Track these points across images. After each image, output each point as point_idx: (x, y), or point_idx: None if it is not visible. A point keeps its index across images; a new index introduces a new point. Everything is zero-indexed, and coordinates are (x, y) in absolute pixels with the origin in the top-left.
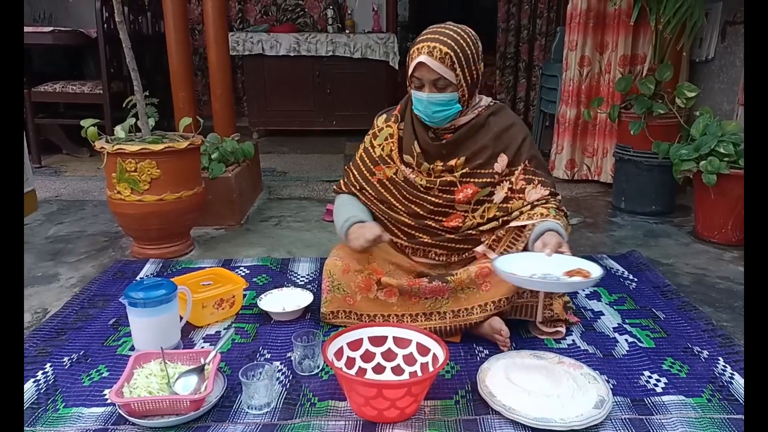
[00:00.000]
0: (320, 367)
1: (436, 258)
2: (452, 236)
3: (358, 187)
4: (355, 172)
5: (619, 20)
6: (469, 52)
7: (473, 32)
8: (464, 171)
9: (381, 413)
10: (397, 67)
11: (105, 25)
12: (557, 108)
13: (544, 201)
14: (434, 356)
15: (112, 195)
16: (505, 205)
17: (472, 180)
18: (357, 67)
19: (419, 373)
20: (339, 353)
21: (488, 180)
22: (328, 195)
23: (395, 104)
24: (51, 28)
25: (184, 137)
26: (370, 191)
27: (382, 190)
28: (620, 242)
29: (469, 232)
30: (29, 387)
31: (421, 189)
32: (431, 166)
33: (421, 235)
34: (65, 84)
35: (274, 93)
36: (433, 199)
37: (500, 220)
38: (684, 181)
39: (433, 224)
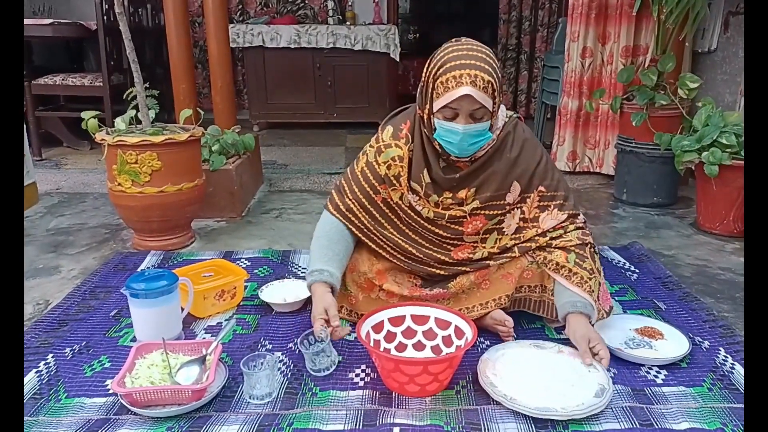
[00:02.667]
0: (335, 363)
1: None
2: (465, 268)
3: (355, 208)
4: (356, 188)
5: (621, 11)
6: (499, 75)
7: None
8: (475, 205)
9: (423, 388)
10: (398, 59)
11: (105, 17)
12: (559, 99)
13: (561, 230)
14: (456, 328)
15: (113, 187)
16: (517, 236)
17: (483, 213)
18: (358, 59)
19: (442, 347)
20: (366, 338)
21: (499, 212)
22: (329, 187)
23: (396, 98)
24: (51, 21)
25: (184, 129)
26: (373, 211)
27: (388, 212)
28: (622, 234)
29: (485, 263)
30: (31, 378)
31: (428, 220)
32: (440, 198)
33: (431, 267)
34: (65, 76)
35: (275, 85)
36: (440, 231)
37: (515, 248)
38: (686, 173)
39: (442, 257)
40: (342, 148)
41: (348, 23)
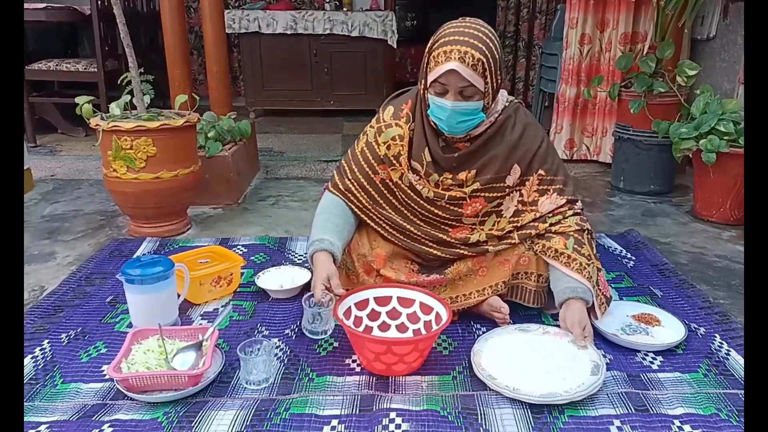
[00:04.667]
0: (327, 333)
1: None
2: (464, 251)
3: (354, 188)
4: (355, 169)
5: None
6: (497, 56)
7: (494, 32)
8: (476, 187)
9: (390, 367)
10: (395, 46)
11: (99, 2)
12: (557, 87)
13: (560, 215)
14: (437, 314)
15: (108, 173)
16: (515, 219)
17: (482, 195)
18: (355, 46)
19: (423, 331)
20: (347, 313)
21: (499, 194)
22: (326, 175)
23: (393, 85)
24: (44, 5)
25: (179, 114)
26: (372, 191)
27: (386, 192)
28: (618, 221)
29: (483, 247)
30: (27, 363)
31: (428, 200)
32: (440, 178)
33: (429, 246)
34: (59, 62)
35: (271, 72)
36: (439, 212)
37: (515, 235)
38: (683, 161)
39: (441, 234)
40: (339, 135)
41: (345, 9)
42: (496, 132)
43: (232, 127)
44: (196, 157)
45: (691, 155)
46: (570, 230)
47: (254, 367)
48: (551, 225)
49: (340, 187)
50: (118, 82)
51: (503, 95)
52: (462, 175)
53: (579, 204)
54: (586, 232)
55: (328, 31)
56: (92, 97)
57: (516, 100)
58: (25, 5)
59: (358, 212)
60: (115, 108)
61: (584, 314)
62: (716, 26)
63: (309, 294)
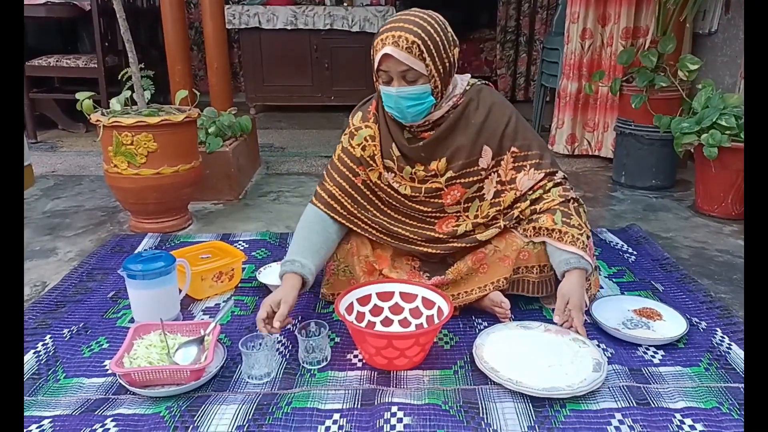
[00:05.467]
0: (327, 360)
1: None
2: (455, 244)
3: (337, 193)
4: (335, 175)
5: None
6: (438, 39)
7: (440, 17)
8: (450, 175)
9: (391, 362)
10: None
11: None
12: (558, 82)
13: (540, 189)
14: (439, 309)
15: (109, 169)
16: (497, 200)
17: (458, 181)
18: (355, 41)
19: (425, 326)
20: (349, 309)
21: (475, 178)
22: None
23: None
24: (44, 0)
25: (180, 110)
26: (355, 194)
27: (369, 194)
28: (620, 216)
29: (472, 237)
30: (29, 358)
31: (406, 197)
32: (413, 170)
33: (420, 245)
34: (59, 58)
35: (272, 68)
36: (420, 206)
37: (501, 221)
38: (685, 156)
39: (428, 232)
40: (339, 131)
41: (345, 4)
42: (459, 117)
43: (233, 123)
44: (197, 153)
45: (692, 150)
46: (554, 204)
47: (256, 362)
48: (534, 203)
49: (324, 196)
50: (119, 78)
51: (463, 79)
52: (433, 165)
53: (560, 174)
54: (572, 201)
55: (328, 27)
56: (93, 93)
57: (480, 82)
58: (25, 1)
59: (344, 222)
60: (115, 104)
61: (573, 287)
62: (718, 21)
63: (301, 325)
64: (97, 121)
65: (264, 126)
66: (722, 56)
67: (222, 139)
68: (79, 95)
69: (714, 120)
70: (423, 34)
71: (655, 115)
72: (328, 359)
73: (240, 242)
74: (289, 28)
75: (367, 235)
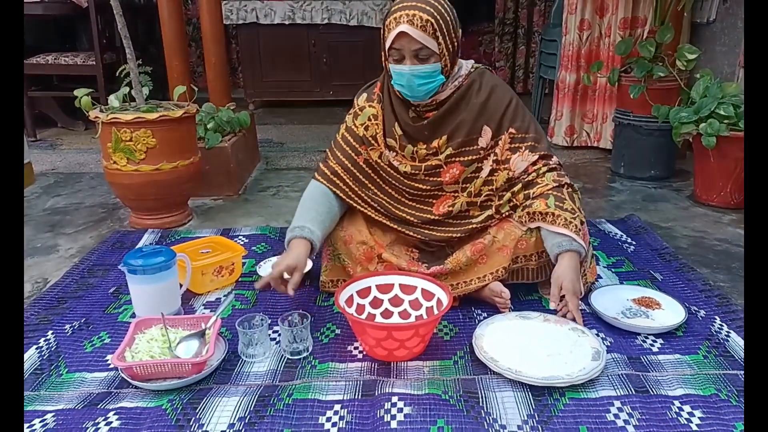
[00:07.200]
0: (309, 350)
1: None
2: (450, 228)
3: (340, 171)
4: (338, 153)
5: None
6: (448, 18)
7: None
8: (449, 152)
9: (391, 353)
10: None
11: None
12: (557, 73)
13: (534, 173)
14: (438, 300)
15: (108, 165)
16: (490, 178)
17: (458, 159)
18: (353, 35)
19: (425, 317)
20: (349, 301)
21: (474, 157)
22: None
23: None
24: None
25: (178, 106)
26: (357, 173)
27: (370, 172)
28: (619, 207)
29: (468, 222)
30: (32, 354)
31: (406, 175)
32: (415, 149)
33: (416, 226)
34: (57, 56)
35: (270, 63)
36: (419, 185)
37: (494, 207)
38: (683, 146)
39: (425, 214)
40: (338, 126)
41: None
42: (462, 96)
43: (232, 118)
44: (196, 149)
45: (691, 139)
46: (548, 189)
47: (251, 341)
48: (527, 187)
49: (326, 172)
50: (117, 75)
51: (468, 63)
52: (435, 143)
53: (555, 159)
54: (566, 186)
55: (326, 21)
56: (91, 90)
57: (482, 66)
58: None
59: (344, 197)
60: (114, 100)
61: (566, 270)
62: (716, 10)
63: (286, 314)
64: (96, 117)
65: (263, 121)
66: (720, 45)
67: (221, 135)
68: (77, 92)
69: (712, 109)
70: (435, 14)
71: (653, 105)
72: (310, 350)
73: (240, 237)
74: (286, 23)
75: (366, 212)
